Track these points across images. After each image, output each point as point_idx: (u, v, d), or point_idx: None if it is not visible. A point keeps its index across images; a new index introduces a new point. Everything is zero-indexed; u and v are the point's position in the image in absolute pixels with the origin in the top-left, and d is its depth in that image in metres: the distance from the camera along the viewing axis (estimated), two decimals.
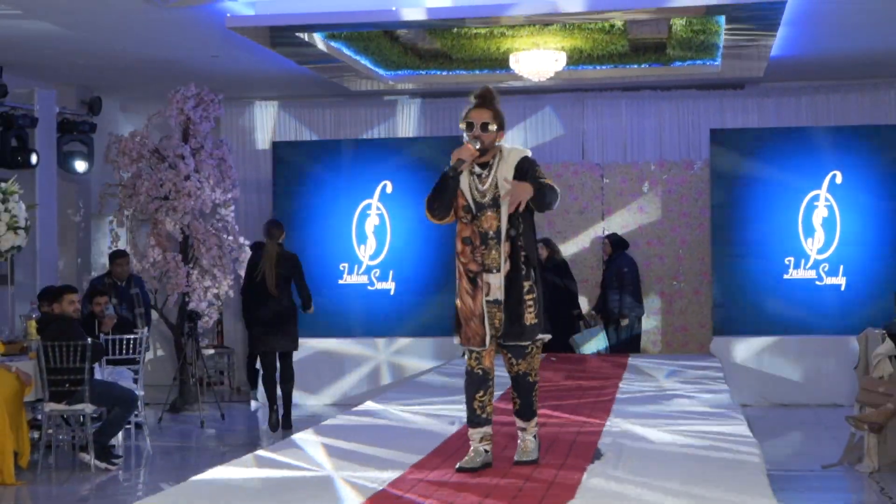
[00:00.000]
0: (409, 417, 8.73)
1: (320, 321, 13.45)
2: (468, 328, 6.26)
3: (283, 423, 11.83)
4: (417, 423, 8.45)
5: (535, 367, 6.40)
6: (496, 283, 6.21)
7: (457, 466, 6.34)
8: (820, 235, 13.52)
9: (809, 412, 12.48)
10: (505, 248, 6.20)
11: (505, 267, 6.20)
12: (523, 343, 6.29)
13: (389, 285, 14.18)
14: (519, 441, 6.55)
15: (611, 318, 14.17)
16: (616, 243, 14.33)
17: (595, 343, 13.91)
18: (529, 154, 6.36)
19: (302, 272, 11.90)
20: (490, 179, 6.24)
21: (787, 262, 13.54)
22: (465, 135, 6.26)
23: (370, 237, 14.23)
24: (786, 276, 13.54)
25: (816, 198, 13.55)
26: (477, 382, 6.32)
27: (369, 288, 14.19)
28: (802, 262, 13.54)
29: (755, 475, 6.17)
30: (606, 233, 14.85)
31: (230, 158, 13.92)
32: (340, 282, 14.19)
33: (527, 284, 6.25)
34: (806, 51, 13.06)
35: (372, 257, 14.23)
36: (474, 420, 6.35)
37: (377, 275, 14.19)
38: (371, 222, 14.25)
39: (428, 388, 10.66)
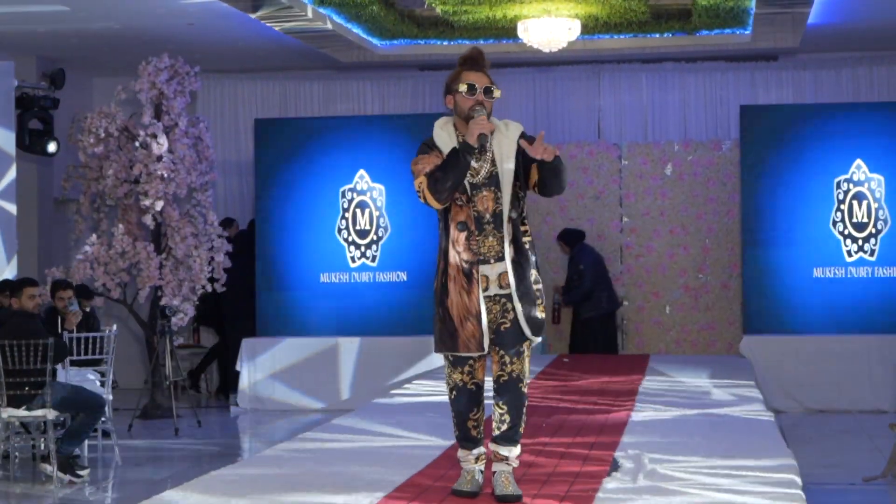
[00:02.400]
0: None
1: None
2: (462, 330, 5.86)
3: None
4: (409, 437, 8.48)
5: (527, 372, 6.02)
6: (493, 274, 5.89)
7: (454, 489, 6.09)
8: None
9: (849, 419, 12.49)
10: (508, 231, 5.89)
11: (510, 253, 5.88)
12: (534, 339, 5.97)
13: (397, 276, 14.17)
14: (496, 473, 6.01)
15: (577, 319, 14.33)
16: (569, 239, 14.42)
17: None
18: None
19: None
20: (487, 154, 5.91)
21: (824, 254, 13.55)
22: (458, 100, 5.90)
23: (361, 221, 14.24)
24: (823, 269, 13.54)
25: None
26: (471, 400, 5.99)
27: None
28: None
29: (789, 489, 6.18)
30: (625, 220, 14.87)
31: (207, 137, 13.92)
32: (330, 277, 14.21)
33: (534, 273, 5.95)
34: (847, 18, 13.06)
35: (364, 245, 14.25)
36: (469, 440, 6.05)
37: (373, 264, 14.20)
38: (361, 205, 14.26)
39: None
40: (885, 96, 14.79)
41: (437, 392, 10.08)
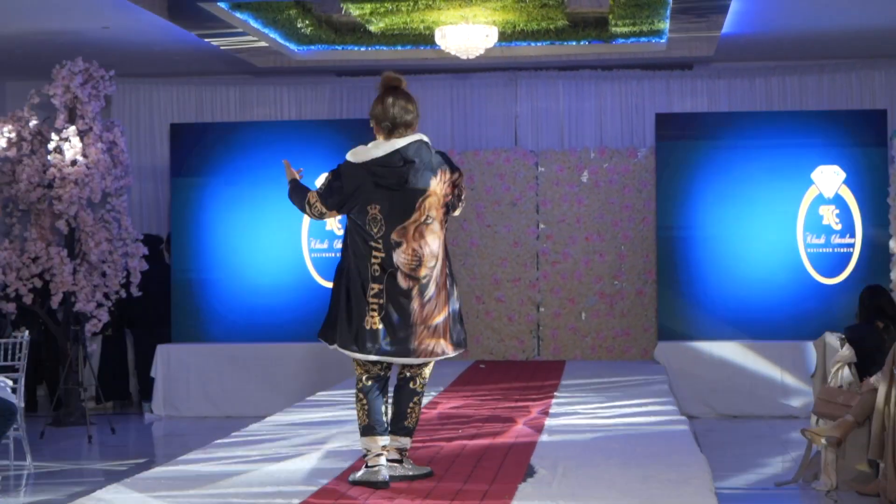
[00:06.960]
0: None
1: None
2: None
3: None
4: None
5: None
6: None
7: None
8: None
9: (762, 424, 12.63)
10: None
11: None
12: None
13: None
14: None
15: None
16: None
17: None
18: None
19: None
20: None
21: (738, 261, 13.70)
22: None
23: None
24: (738, 276, 13.69)
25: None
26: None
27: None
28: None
29: (702, 494, 6.24)
30: (541, 226, 14.92)
31: (122, 142, 13.81)
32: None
33: None
34: (760, 28, 13.21)
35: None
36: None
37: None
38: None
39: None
40: (798, 105, 14.98)
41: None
